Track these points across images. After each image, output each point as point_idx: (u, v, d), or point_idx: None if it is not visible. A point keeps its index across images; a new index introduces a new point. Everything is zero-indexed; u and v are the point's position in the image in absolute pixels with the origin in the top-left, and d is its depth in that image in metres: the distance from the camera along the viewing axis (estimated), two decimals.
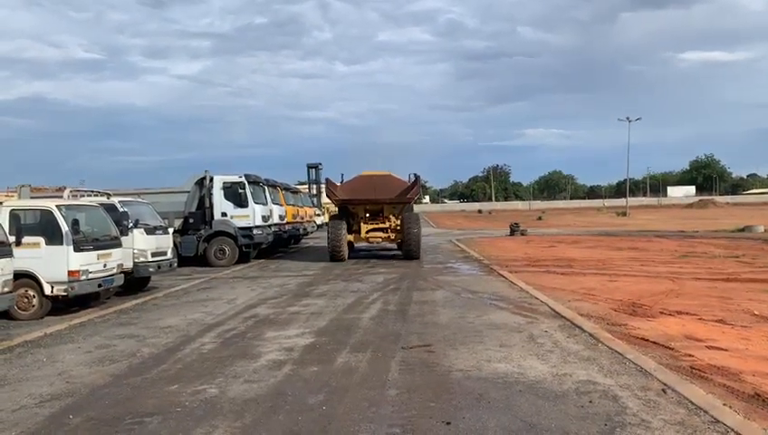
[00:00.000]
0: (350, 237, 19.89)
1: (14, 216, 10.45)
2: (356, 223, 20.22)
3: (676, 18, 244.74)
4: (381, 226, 20.05)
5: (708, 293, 11.25)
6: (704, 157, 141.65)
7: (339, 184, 20.42)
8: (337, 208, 21.69)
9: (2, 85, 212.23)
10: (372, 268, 17.47)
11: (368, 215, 20.27)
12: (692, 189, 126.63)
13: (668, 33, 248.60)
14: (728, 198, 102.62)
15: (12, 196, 12.63)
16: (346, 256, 19.45)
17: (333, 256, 19.24)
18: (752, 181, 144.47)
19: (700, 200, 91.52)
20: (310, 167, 38.55)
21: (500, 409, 5.25)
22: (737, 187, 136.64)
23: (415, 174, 20.16)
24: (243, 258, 19.49)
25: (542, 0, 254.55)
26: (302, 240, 29.68)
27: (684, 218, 47.86)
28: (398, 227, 19.67)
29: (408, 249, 19.18)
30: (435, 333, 8.42)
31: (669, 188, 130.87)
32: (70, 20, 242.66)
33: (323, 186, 25.40)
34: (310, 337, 8.35)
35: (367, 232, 19.98)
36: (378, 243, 20.48)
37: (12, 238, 9.29)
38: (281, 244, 24.11)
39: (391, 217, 20.13)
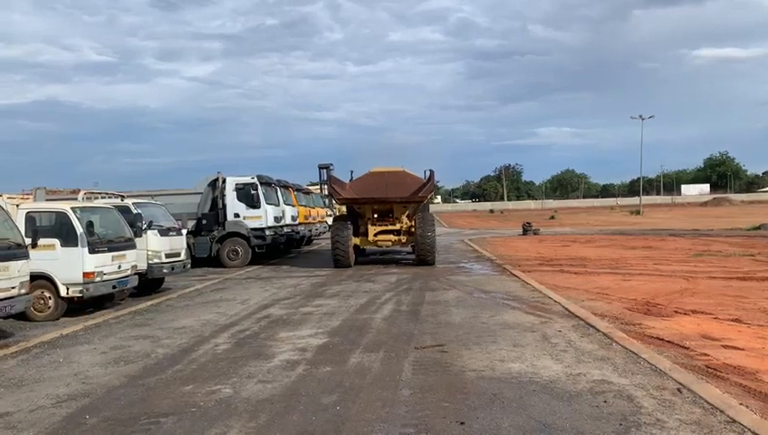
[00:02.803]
0: (357, 241, 18.21)
1: (30, 218, 10.58)
2: (363, 225, 18.49)
3: (688, 15, 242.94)
4: (391, 227, 18.22)
5: (723, 292, 11.14)
6: (718, 154, 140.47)
7: (347, 182, 19.02)
8: (345, 209, 20.39)
9: (16, 89, 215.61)
10: (384, 268, 17.45)
11: (376, 216, 18.43)
12: (706, 187, 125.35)
13: (681, 30, 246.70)
14: (743, 196, 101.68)
15: (27, 198, 12.72)
16: (352, 263, 17.91)
17: (338, 262, 17.60)
18: (767, 179, 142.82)
19: (715, 198, 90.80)
20: (321, 167, 38.28)
21: (514, 409, 5.24)
22: (752, 184, 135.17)
23: (430, 170, 18.33)
24: (256, 259, 19.56)
25: None
26: (315, 241, 29.77)
27: (698, 217, 47.47)
28: (411, 229, 18.00)
29: (422, 254, 17.42)
30: (448, 333, 8.41)
31: (683, 187, 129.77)
32: (83, 23, 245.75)
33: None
34: (323, 337, 8.37)
35: (375, 235, 18.21)
36: (387, 247, 18.97)
37: (28, 240, 9.41)
38: (293, 244, 24.14)
39: (403, 217, 18.31)
